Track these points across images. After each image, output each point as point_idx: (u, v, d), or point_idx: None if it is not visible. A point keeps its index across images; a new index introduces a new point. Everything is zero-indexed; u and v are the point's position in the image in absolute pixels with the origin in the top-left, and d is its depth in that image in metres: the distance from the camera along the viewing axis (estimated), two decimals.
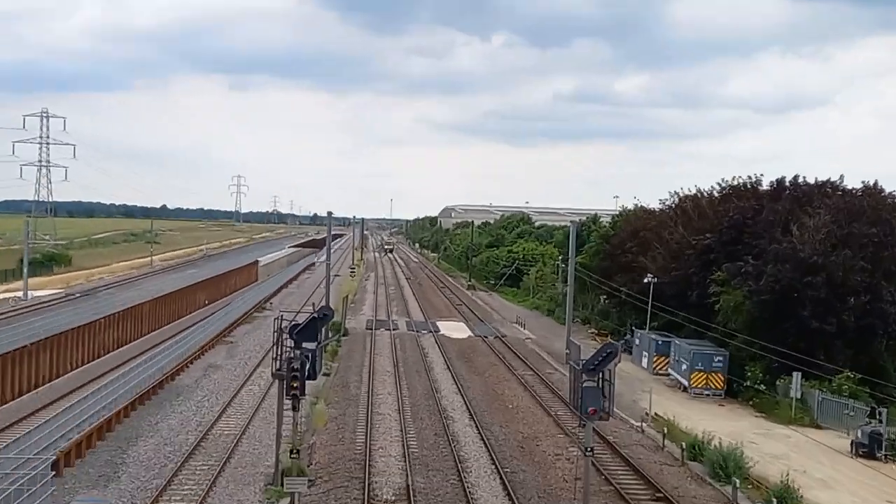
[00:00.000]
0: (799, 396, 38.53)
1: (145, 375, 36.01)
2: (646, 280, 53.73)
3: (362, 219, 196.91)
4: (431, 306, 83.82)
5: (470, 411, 36.43)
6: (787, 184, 50.51)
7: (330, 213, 59.65)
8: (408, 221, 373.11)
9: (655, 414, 36.47)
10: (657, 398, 39.31)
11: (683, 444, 29.79)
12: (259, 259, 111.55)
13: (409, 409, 36.25)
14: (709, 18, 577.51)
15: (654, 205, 68.27)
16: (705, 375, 43.96)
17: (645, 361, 51.87)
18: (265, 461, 26.80)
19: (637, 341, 54.33)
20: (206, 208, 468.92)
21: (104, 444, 28.31)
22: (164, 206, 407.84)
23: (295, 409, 23.41)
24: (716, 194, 56.14)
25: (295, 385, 22.64)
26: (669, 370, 48.44)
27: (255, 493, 23.84)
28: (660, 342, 50.30)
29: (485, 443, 30.82)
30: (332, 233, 62.20)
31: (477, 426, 33.54)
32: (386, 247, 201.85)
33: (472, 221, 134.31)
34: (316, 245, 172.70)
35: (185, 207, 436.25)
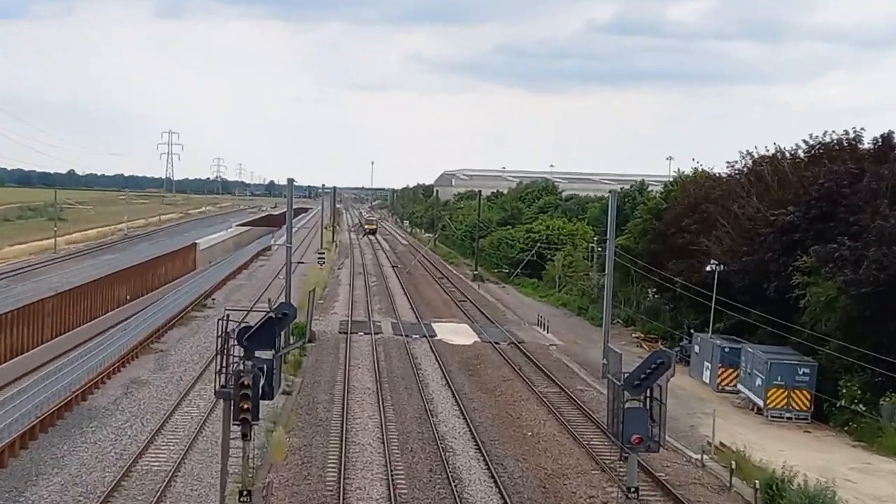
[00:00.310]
0: None
1: (48, 394, 36.01)
2: (708, 268, 53.70)
3: (333, 188, 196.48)
4: (425, 303, 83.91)
5: (476, 440, 36.52)
6: None
7: (291, 181, 59.51)
8: (394, 191, 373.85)
9: (720, 443, 36.58)
10: (723, 422, 39.41)
11: (757, 482, 29.89)
12: (198, 241, 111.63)
13: (395, 438, 36.33)
14: None
15: (720, 169, 68.23)
16: (786, 393, 44.04)
17: (707, 374, 51.98)
18: None
19: (696, 348, 54.42)
20: (127, 174, 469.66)
21: None
22: (71, 173, 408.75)
23: (245, 437, 23.44)
24: (801, 155, 56.01)
25: (245, 407, 22.66)
26: (739, 386, 48.55)
27: None
28: (726, 349, 50.38)
29: (496, 482, 30.93)
30: (294, 206, 62.16)
31: (485, 460, 33.65)
32: (366, 226, 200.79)
33: (480, 191, 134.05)
34: (272, 223, 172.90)
35: (99, 173, 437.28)
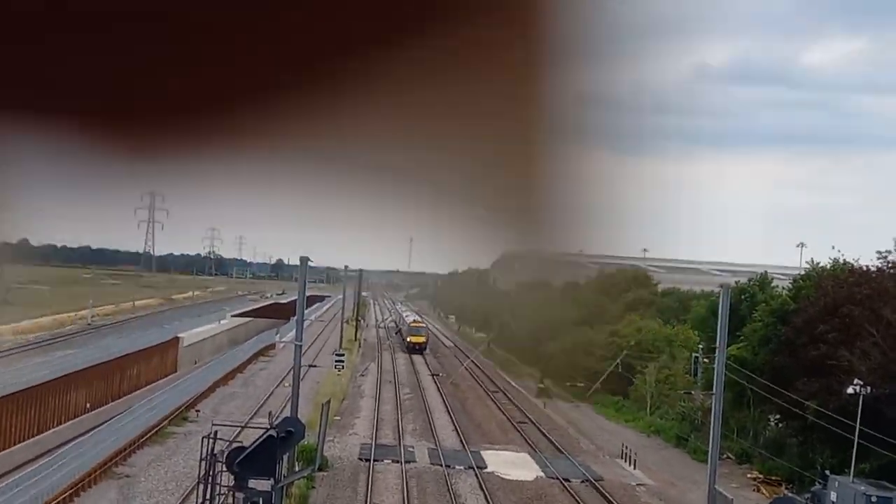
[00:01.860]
0: None
1: None
2: (850, 390, 53.11)
3: (360, 271, 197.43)
4: (474, 424, 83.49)
5: None
6: None
7: (305, 261, 59.84)
8: (437, 277, 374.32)
9: None
10: None
11: None
12: (181, 335, 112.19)
13: None
14: None
15: (869, 261, 67.76)
16: None
17: None
18: None
19: (833, 496, 53.55)
20: (95, 246, 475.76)
21: None
22: (23, 243, 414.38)
23: None
24: None
25: None
26: None
27: None
28: (874, 498, 49.58)
29: None
30: (308, 293, 62.42)
31: None
32: (410, 337, 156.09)
33: (550, 281, 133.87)
34: (279, 313, 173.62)
35: (59, 244, 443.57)
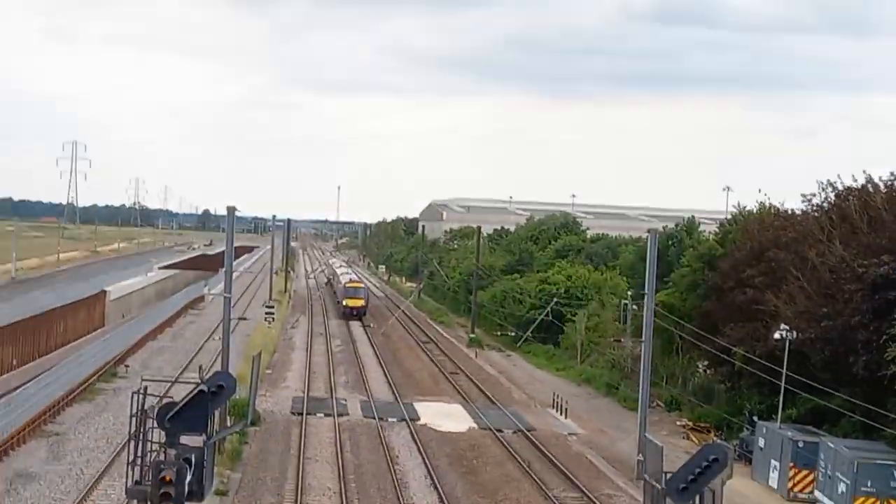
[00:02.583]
0: None
1: None
2: (777, 335, 53.69)
3: (288, 221, 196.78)
4: (406, 375, 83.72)
5: None
6: None
7: (232, 211, 59.43)
8: (366, 226, 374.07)
9: None
10: None
11: None
12: (108, 289, 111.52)
13: None
14: None
15: (794, 204, 68.47)
16: (878, 503, 43.88)
17: (774, 477, 51.83)
18: None
19: (761, 442, 54.31)
20: (17, 198, 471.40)
21: None
22: None
23: None
24: None
25: None
26: (816, 492, 48.41)
27: None
28: (800, 444, 50.25)
29: None
30: (236, 244, 62.15)
31: None
32: (348, 301, 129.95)
33: (479, 228, 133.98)
34: (207, 265, 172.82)
35: None
